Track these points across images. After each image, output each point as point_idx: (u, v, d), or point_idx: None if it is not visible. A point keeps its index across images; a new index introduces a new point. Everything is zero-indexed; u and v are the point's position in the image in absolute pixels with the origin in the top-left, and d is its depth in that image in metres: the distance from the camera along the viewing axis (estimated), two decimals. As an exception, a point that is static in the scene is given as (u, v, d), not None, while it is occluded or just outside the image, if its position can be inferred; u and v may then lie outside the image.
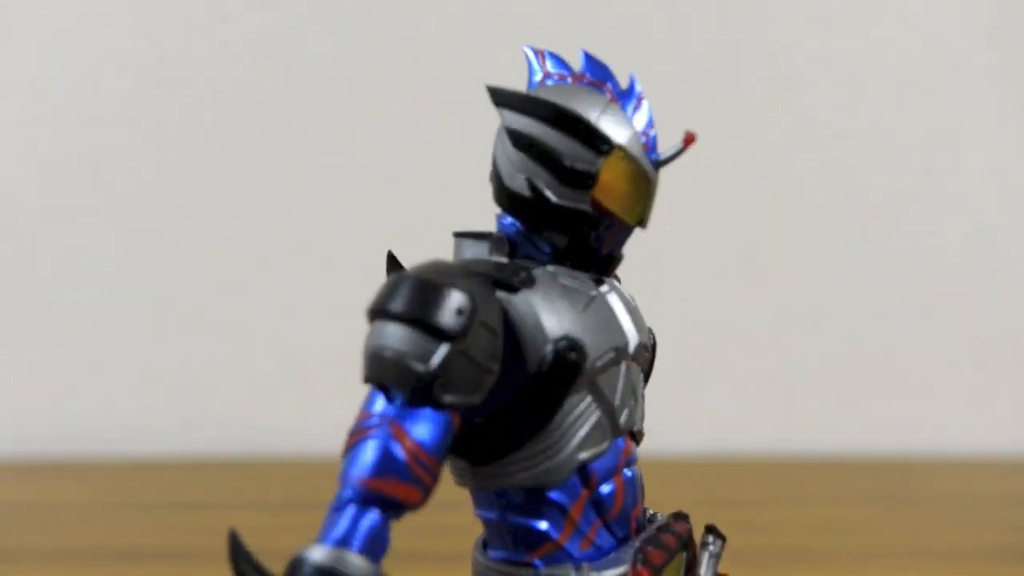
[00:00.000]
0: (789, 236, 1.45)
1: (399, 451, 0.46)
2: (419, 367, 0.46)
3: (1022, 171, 1.45)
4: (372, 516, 0.46)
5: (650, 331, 0.56)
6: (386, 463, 0.46)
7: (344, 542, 0.46)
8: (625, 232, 0.55)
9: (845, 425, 1.44)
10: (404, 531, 0.67)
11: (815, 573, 1.00)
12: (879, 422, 1.44)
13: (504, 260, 0.52)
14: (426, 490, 0.47)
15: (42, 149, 1.44)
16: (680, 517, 0.56)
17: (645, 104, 0.56)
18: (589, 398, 0.51)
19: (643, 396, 0.56)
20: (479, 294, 0.48)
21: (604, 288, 0.54)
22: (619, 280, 0.57)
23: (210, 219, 1.45)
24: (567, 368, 0.49)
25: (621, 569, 0.51)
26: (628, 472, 0.53)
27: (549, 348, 0.49)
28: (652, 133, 0.55)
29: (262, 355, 1.46)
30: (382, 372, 0.47)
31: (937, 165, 1.44)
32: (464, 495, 0.54)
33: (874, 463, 1.39)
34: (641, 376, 0.55)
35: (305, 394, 1.43)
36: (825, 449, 1.41)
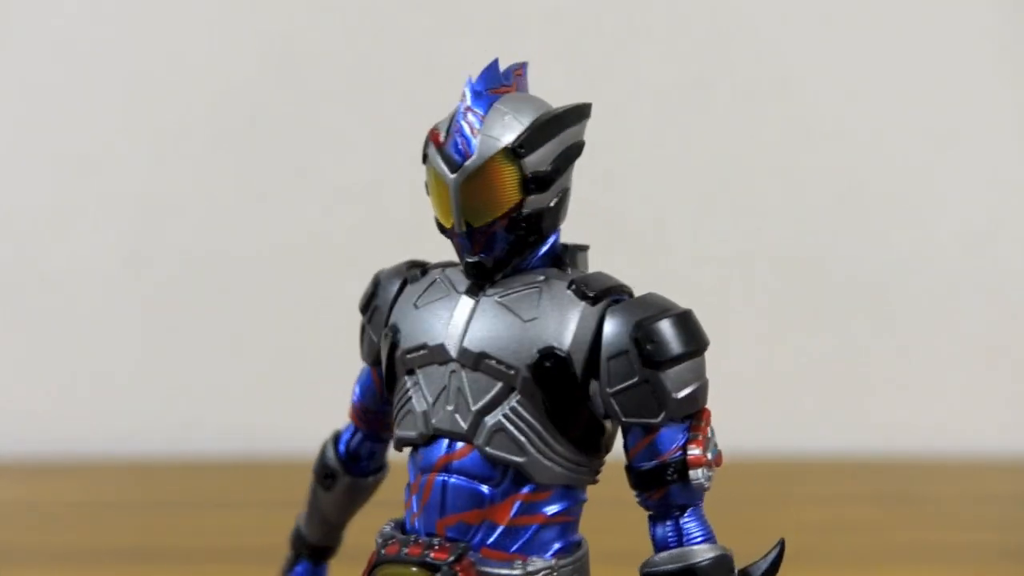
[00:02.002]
0: (790, 235, 1.44)
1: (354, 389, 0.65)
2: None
3: (1023, 171, 1.45)
4: (349, 429, 0.67)
5: (544, 352, 0.53)
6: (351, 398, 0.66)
7: (337, 437, 0.68)
8: (464, 237, 0.54)
9: (845, 425, 1.44)
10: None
11: (815, 573, 1.00)
12: (879, 422, 1.44)
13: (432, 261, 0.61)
14: (361, 419, 0.66)
15: (42, 149, 1.44)
16: (451, 550, 0.53)
17: (463, 103, 0.54)
18: (410, 385, 0.56)
19: (494, 413, 0.53)
20: (385, 283, 0.60)
21: (481, 293, 0.55)
22: (591, 295, 0.54)
23: (210, 219, 1.45)
24: (384, 349, 0.58)
25: (379, 542, 0.56)
26: (444, 478, 0.54)
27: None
28: (455, 132, 0.54)
29: (262, 355, 1.46)
30: None
31: (938, 165, 1.44)
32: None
33: (874, 463, 1.39)
34: (490, 386, 0.53)
35: (305, 394, 1.43)
36: (825, 449, 1.41)
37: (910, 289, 1.45)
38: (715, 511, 0.64)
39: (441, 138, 0.54)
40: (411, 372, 0.56)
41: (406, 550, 0.54)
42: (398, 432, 0.57)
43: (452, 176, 0.53)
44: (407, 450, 0.57)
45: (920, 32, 1.43)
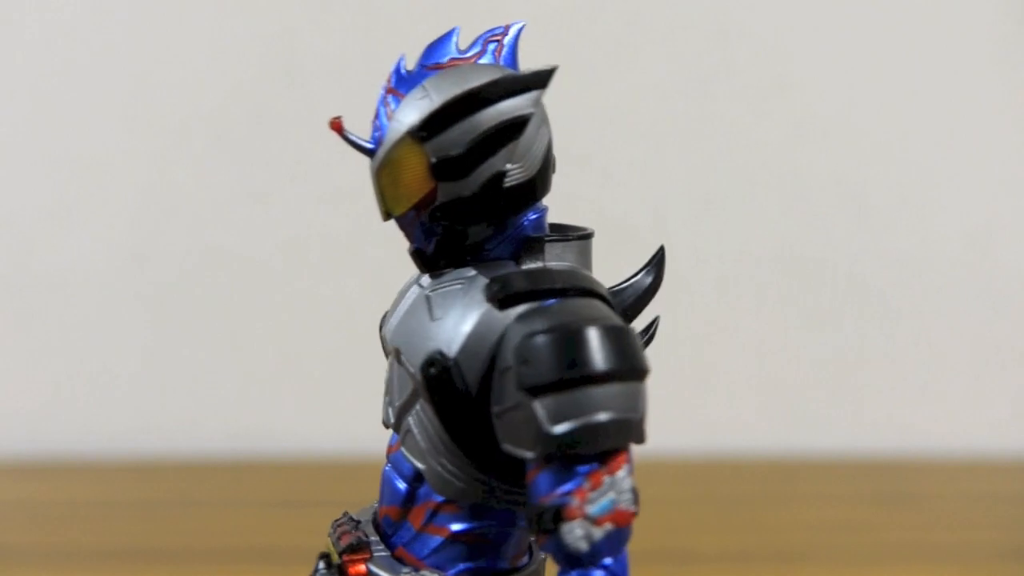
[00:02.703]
0: (790, 235, 1.45)
1: None
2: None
3: (1023, 171, 1.45)
4: None
5: (428, 361, 0.48)
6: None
7: None
8: (403, 226, 0.51)
9: (845, 425, 1.44)
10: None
11: (815, 573, 1.00)
12: (879, 422, 1.44)
13: None
14: None
15: (43, 149, 1.44)
16: (352, 538, 0.52)
17: (384, 87, 0.51)
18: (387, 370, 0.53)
19: (409, 413, 0.50)
20: None
21: (418, 284, 0.52)
22: (502, 297, 0.48)
23: (210, 219, 1.45)
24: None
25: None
26: (386, 468, 0.52)
27: None
28: (375, 121, 0.51)
29: (262, 355, 1.46)
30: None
31: (938, 165, 1.44)
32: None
33: (874, 463, 1.39)
34: (408, 385, 0.50)
35: (305, 394, 1.43)
36: (825, 449, 1.41)
37: (910, 289, 1.45)
38: (716, 511, 0.64)
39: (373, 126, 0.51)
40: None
41: (340, 530, 0.53)
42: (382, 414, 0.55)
43: (371, 164, 0.51)
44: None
45: (920, 32, 1.43)
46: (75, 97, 1.44)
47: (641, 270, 0.54)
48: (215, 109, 1.43)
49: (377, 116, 0.50)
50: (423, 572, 0.49)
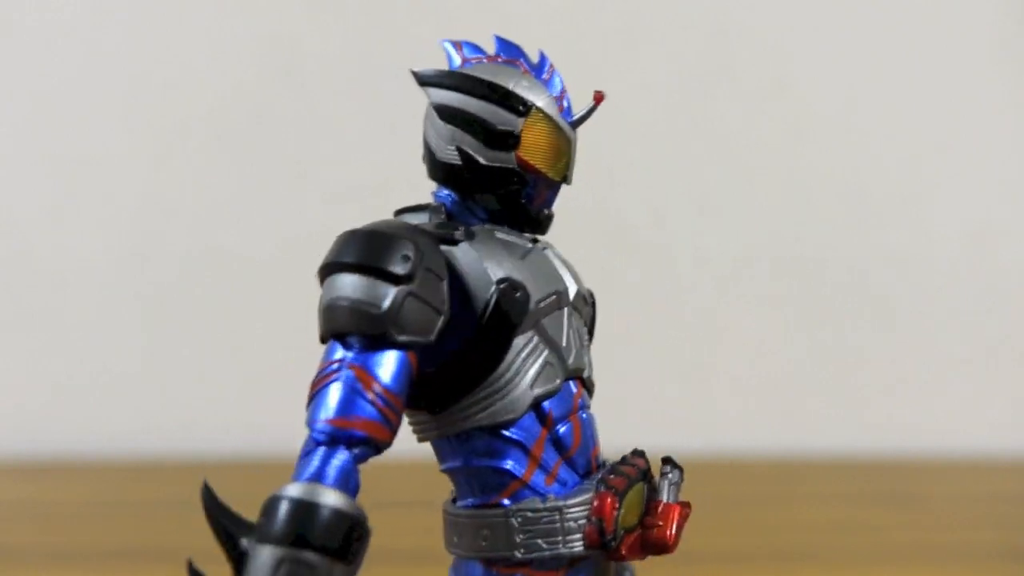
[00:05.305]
0: (790, 235, 1.45)
1: (362, 390, 0.50)
2: (373, 310, 0.50)
3: (1022, 171, 1.45)
4: (341, 456, 0.50)
5: (590, 292, 0.60)
6: (350, 402, 0.50)
7: (317, 478, 0.49)
8: (553, 189, 0.59)
9: (845, 425, 1.44)
10: (417, 530, 0.67)
11: (815, 573, 1.00)
12: (879, 422, 1.44)
13: (443, 221, 0.56)
14: (391, 427, 0.50)
15: (43, 150, 1.44)
16: (637, 453, 0.57)
17: (557, 74, 0.61)
18: (536, 339, 0.54)
19: (588, 346, 0.59)
20: (423, 243, 0.52)
21: (539, 245, 0.58)
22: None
23: (209, 219, 1.45)
24: (512, 306, 0.53)
25: (585, 496, 0.54)
26: (583, 414, 0.57)
27: (493, 289, 0.53)
28: (567, 97, 0.60)
29: (262, 355, 1.46)
30: (338, 322, 0.51)
31: (938, 165, 1.44)
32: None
33: (874, 463, 1.39)
34: (584, 327, 0.59)
35: (304, 394, 1.43)
36: (825, 449, 1.41)
37: (910, 289, 1.45)
38: (716, 511, 0.64)
39: (547, 97, 0.59)
40: (537, 324, 0.55)
41: (625, 470, 0.56)
42: (536, 390, 0.54)
43: (573, 132, 0.59)
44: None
45: (920, 32, 1.43)
46: (75, 97, 1.44)
47: None
48: (215, 109, 1.43)
49: (565, 92, 0.60)
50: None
